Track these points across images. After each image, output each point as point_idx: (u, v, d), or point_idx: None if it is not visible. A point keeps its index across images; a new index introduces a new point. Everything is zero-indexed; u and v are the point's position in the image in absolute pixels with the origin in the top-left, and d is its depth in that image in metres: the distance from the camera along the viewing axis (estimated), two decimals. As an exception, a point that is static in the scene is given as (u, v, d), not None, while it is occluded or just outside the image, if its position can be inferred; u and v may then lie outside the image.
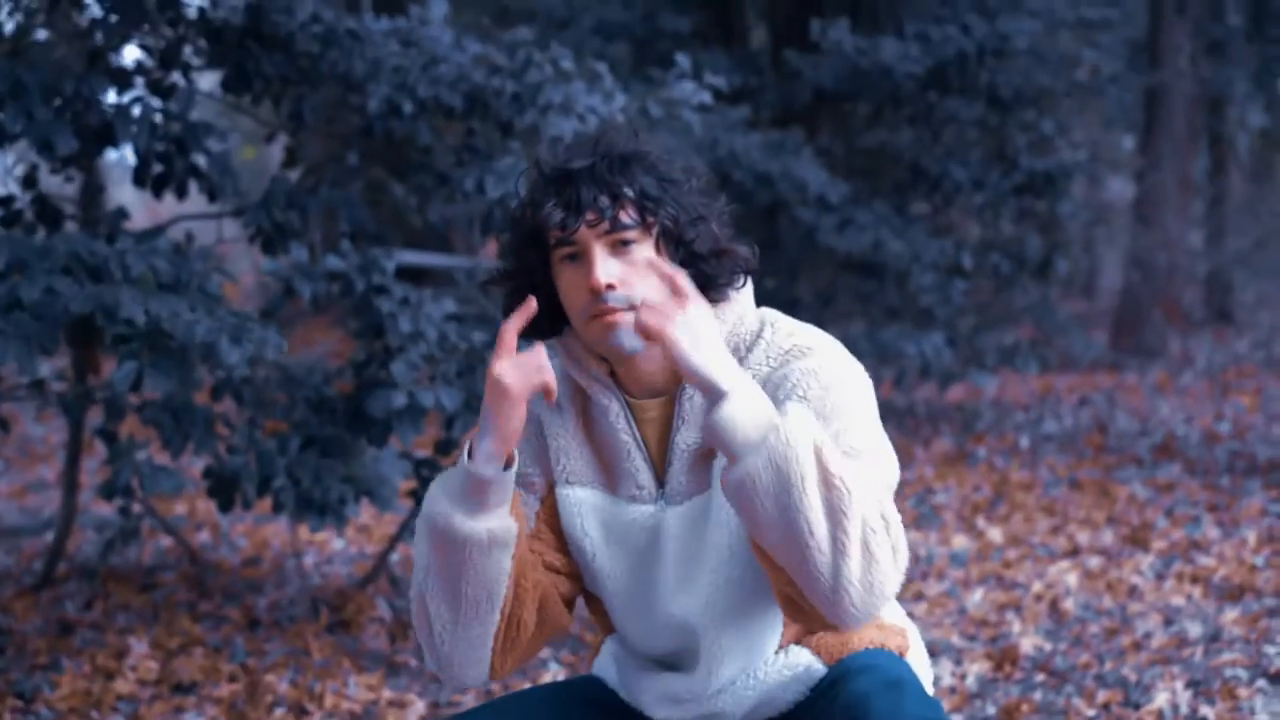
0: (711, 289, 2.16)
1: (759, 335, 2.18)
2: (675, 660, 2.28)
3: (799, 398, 2.08)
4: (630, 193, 2.10)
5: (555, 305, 2.18)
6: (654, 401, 2.20)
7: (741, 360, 2.16)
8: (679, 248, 2.14)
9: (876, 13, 9.60)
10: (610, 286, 2.07)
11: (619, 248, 2.09)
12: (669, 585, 2.21)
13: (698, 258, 2.14)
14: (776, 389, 2.11)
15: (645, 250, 2.11)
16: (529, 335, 2.19)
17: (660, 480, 2.22)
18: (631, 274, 2.09)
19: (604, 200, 2.08)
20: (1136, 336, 12.35)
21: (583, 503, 2.24)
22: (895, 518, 1.98)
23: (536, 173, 2.16)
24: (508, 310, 2.20)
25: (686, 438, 2.18)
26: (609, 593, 2.27)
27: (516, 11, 9.99)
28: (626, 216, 2.09)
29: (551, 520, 2.27)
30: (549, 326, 2.21)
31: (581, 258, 2.10)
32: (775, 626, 2.21)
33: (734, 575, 2.16)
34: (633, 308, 2.07)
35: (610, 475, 2.25)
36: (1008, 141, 9.24)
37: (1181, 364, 12.06)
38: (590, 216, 2.08)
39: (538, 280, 2.16)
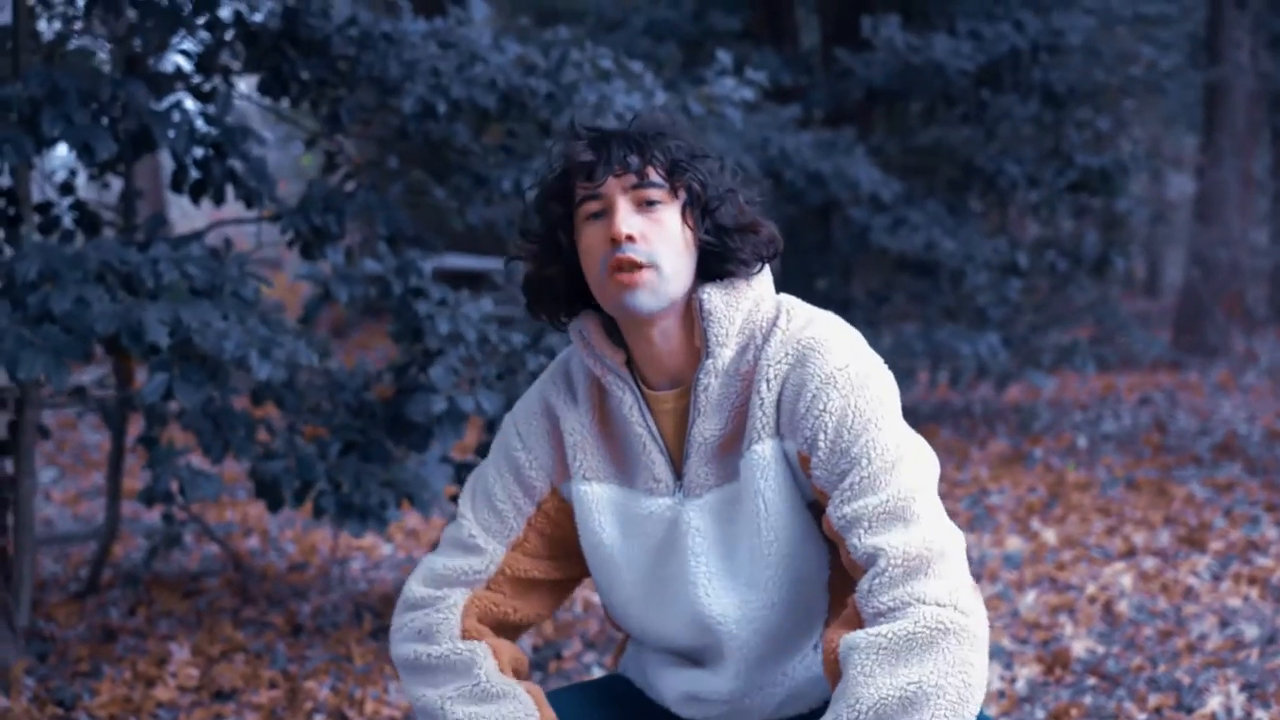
0: (732, 263, 2.14)
1: (775, 323, 2.14)
2: (698, 655, 2.24)
3: (820, 410, 2.04)
4: (660, 156, 2.11)
5: (576, 281, 2.17)
6: (670, 393, 2.17)
7: (759, 350, 2.12)
8: (704, 217, 2.12)
9: (928, 9, 9.53)
10: (630, 238, 2.06)
11: (644, 206, 2.09)
12: (695, 581, 2.16)
13: (722, 230, 2.13)
14: (796, 397, 2.07)
15: (670, 214, 2.10)
16: (549, 315, 2.20)
17: (678, 472, 2.18)
18: (654, 232, 2.08)
19: (633, 159, 2.09)
20: (1199, 335, 12.22)
21: (599, 498, 2.21)
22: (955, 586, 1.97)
23: (570, 132, 2.17)
24: (529, 285, 2.20)
25: (703, 429, 2.14)
26: (625, 586, 2.23)
27: (566, 12, 9.98)
28: (654, 175, 2.10)
29: (545, 526, 2.26)
30: (568, 306, 2.20)
31: (605, 215, 2.10)
32: (810, 629, 2.17)
33: (764, 578, 2.12)
34: (651, 265, 2.05)
35: (626, 468, 2.21)
36: (1063, 138, 9.13)
37: (1245, 362, 11.89)
38: (618, 169, 2.09)
39: (562, 245, 2.15)
